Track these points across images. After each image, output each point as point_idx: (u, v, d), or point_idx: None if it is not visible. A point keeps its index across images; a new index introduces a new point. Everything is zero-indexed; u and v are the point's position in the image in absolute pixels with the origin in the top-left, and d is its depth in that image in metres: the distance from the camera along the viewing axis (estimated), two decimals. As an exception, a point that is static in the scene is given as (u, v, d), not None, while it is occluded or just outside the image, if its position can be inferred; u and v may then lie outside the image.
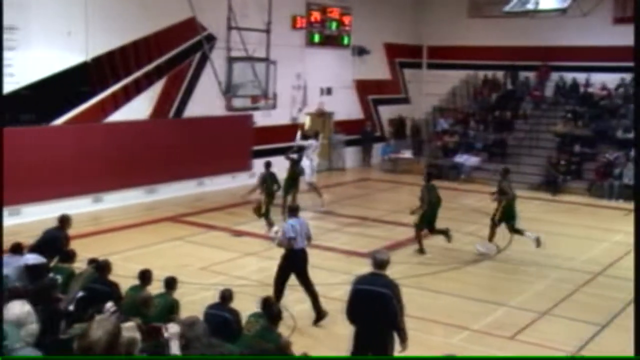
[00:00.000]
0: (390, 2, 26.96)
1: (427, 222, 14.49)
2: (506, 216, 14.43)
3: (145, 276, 9.05)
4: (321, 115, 25.13)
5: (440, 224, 14.74)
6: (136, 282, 8.99)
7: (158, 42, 18.85)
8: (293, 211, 11.00)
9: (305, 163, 18.09)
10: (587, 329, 10.35)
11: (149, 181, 18.74)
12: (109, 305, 6.41)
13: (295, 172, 17.48)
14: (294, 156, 17.71)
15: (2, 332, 3.18)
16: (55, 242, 10.50)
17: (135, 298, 8.66)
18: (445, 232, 14.60)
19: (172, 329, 4.95)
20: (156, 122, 19.09)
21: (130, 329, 4.17)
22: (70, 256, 9.84)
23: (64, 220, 10.94)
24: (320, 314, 10.39)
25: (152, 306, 8.44)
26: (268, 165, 16.01)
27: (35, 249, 10.11)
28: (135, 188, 18.29)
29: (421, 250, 14.49)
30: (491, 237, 14.64)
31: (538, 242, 14.20)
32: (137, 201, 18.04)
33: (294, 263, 10.53)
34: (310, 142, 18.74)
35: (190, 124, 19.78)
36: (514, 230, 14.56)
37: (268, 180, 15.76)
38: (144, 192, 18.62)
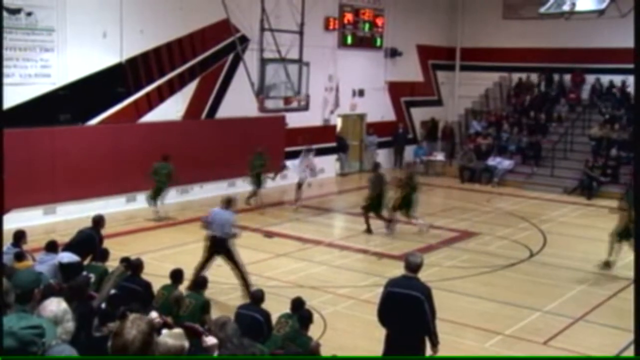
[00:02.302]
0: (423, 3, 26.82)
1: (372, 207, 15.98)
2: (404, 204, 15.84)
3: (176, 275, 9.12)
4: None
5: (473, 227, 14.64)
6: (168, 281, 9.06)
7: (192, 44, 18.99)
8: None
9: (301, 175, 18.58)
10: (622, 336, 10.15)
11: (182, 182, 18.86)
12: (154, 315, 6.42)
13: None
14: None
15: (2, 328, 3.20)
16: (89, 241, 10.63)
17: (168, 297, 8.74)
18: (389, 221, 15.96)
19: (210, 341, 4.92)
20: (189, 123, 19.23)
21: (178, 337, 4.12)
22: (104, 255, 9.96)
23: (98, 221, 11.05)
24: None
25: (184, 305, 8.51)
26: (376, 166, 17.03)
27: (69, 247, 10.23)
28: (169, 188, 18.43)
29: (368, 230, 16.03)
30: (388, 220, 16.09)
31: (426, 229, 15.78)
32: (170, 201, 18.17)
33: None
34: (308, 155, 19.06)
35: (223, 124, 19.89)
36: (408, 216, 15.90)
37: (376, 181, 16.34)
38: (177, 192, 18.75)
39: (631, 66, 20.68)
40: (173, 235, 15.38)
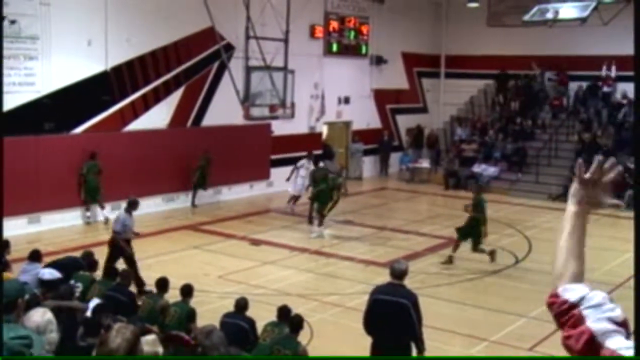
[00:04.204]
0: (408, 11, 26.94)
1: (317, 199, 16.81)
2: (320, 200, 16.79)
3: (162, 284, 9.09)
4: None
5: (455, 233, 14.68)
6: (154, 290, 9.02)
7: (177, 52, 18.97)
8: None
9: (298, 181, 18.85)
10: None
11: (167, 190, 18.83)
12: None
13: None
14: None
15: (2, 331, 3.19)
16: (76, 265, 10.28)
17: (153, 306, 8.70)
18: (323, 216, 16.70)
19: None
20: (174, 131, 19.19)
21: (152, 343, 4.15)
22: (92, 265, 9.91)
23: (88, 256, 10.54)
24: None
25: (170, 314, 8.48)
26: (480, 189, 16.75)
27: (53, 265, 9.97)
28: (154, 196, 18.38)
29: (310, 221, 17.14)
30: (319, 220, 16.82)
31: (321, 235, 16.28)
32: (155, 209, 18.12)
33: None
34: (302, 162, 19.17)
35: (208, 132, 19.86)
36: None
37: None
38: (162, 200, 18.70)
39: (614, 73, 20.64)
40: (158, 244, 15.32)
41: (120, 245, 11.77)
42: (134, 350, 3.29)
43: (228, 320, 8.23)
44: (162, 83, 18.77)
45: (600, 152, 22.76)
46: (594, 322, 2.05)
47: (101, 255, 11.33)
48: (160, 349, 4.14)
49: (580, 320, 2.08)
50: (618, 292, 12.78)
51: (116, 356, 3.18)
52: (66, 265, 10.09)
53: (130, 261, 11.72)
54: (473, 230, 13.94)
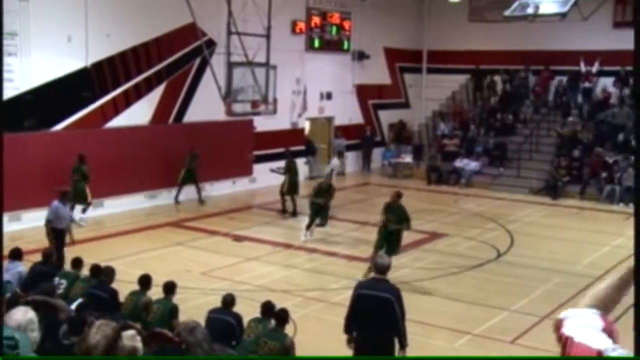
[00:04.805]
0: (390, 7, 26.97)
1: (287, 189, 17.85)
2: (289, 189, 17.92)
3: (145, 281, 9.06)
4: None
5: (441, 228, 14.77)
6: (137, 287, 8.99)
7: (158, 48, 18.87)
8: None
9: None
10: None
11: (150, 187, 18.74)
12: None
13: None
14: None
15: (2, 331, 3.19)
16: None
17: (136, 303, 8.67)
18: (283, 210, 18.03)
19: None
20: (156, 128, 19.10)
21: (130, 338, 4.15)
22: (77, 263, 9.87)
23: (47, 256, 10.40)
24: None
25: (152, 311, 8.45)
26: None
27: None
28: (137, 193, 18.30)
29: (284, 212, 18.04)
30: (284, 208, 18.14)
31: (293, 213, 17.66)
32: (138, 206, 18.04)
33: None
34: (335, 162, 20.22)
35: (191, 129, 19.78)
36: (293, 200, 17.88)
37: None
38: (144, 197, 18.62)
39: (593, 68, 20.77)
40: (140, 241, 15.27)
41: (53, 232, 12.38)
42: (114, 346, 3.30)
43: (215, 316, 8.24)
44: (144, 79, 18.66)
45: (581, 146, 23.00)
46: (569, 327, 2.12)
47: (78, 253, 11.25)
48: (139, 344, 4.15)
49: (560, 327, 2.15)
50: (598, 284, 12.91)
51: (118, 356, 3.18)
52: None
53: (58, 246, 12.10)
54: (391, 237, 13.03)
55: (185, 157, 18.82)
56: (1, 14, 3.85)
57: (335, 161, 20.43)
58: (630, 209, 19.99)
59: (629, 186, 20.74)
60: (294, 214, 18.08)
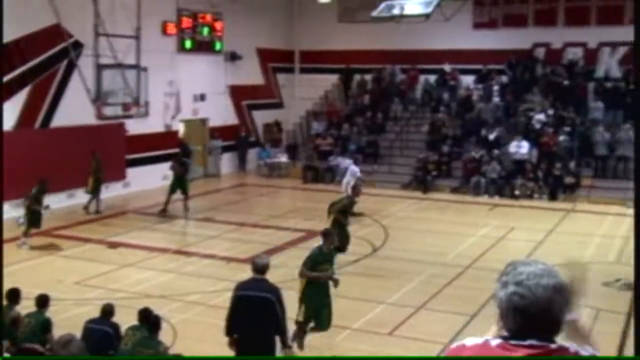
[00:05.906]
0: (261, 7, 27.05)
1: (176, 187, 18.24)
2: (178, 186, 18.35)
3: (13, 295, 8.67)
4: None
5: (318, 226, 14.93)
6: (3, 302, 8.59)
7: (20, 50, 17.99)
8: None
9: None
10: (458, 320, 10.85)
11: (13, 197, 17.84)
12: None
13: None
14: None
15: (2, 332, 3.03)
16: None
17: (4, 319, 8.28)
18: (166, 207, 18.28)
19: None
20: (21, 133, 18.22)
21: None
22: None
23: None
24: None
25: (22, 325, 8.10)
26: None
27: None
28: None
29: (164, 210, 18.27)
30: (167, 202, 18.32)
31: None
32: (4, 216, 17.13)
33: None
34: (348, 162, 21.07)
35: (59, 133, 19.02)
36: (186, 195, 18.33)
37: None
38: (10, 206, 17.72)
39: (456, 67, 21.88)
40: (8, 252, 14.49)
41: None
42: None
43: (92, 326, 8.05)
44: (6, 83, 17.75)
45: (449, 141, 24.03)
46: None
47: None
48: None
49: None
50: (467, 272, 13.60)
51: (121, 357, 3.07)
52: None
53: None
54: None
55: (91, 164, 18.17)
56: (1, 14, 3.61)
57: (353, 167, 20.64)
58: (494, 200, 21.19)
59: (492, 178, 21.94)
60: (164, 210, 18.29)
